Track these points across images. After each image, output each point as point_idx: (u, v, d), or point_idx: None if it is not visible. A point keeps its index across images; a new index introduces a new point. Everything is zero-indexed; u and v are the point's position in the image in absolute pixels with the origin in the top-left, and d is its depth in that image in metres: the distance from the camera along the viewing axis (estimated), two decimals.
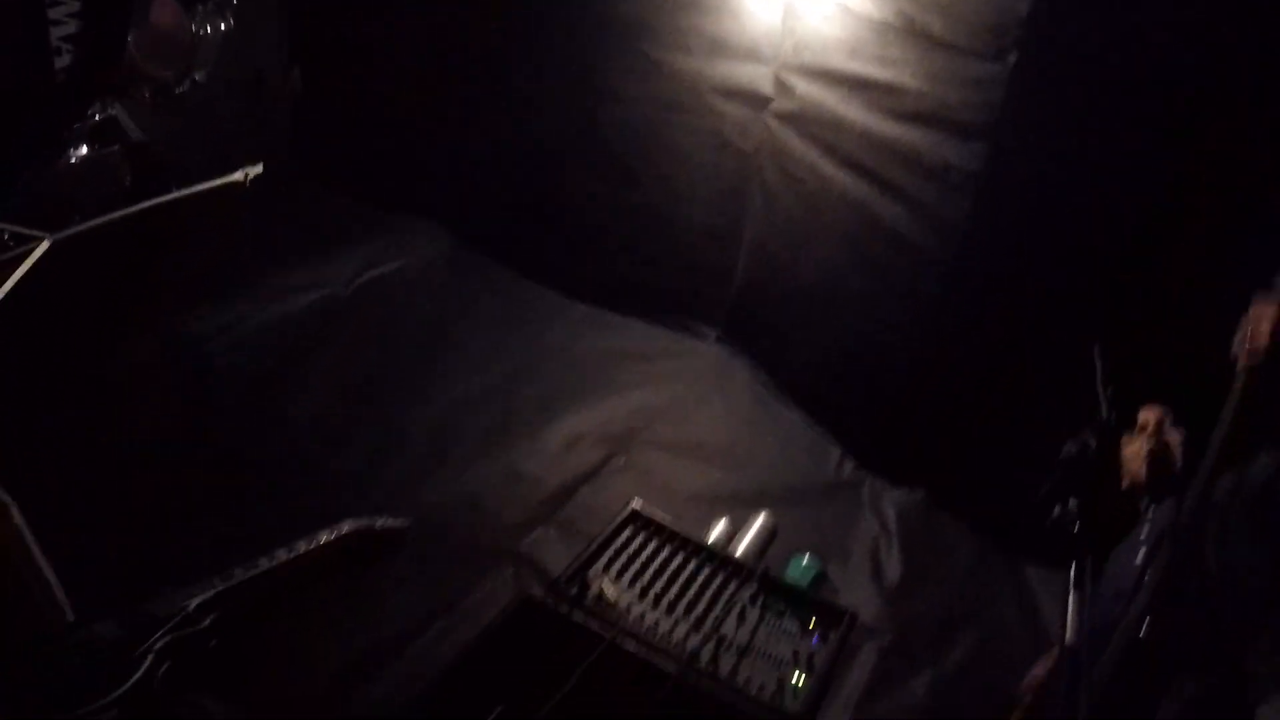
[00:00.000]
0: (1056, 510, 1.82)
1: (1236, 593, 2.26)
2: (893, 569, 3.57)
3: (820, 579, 3.08)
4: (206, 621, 2.27)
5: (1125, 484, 2.80)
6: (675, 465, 3.72)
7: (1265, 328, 2.02)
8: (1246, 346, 2.08)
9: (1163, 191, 3.37)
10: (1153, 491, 2.81)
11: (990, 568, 3.74)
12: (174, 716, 2.29)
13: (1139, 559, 2.59)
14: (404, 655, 2.89)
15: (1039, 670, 2.57)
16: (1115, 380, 2.60)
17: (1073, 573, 1.66)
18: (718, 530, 2.74)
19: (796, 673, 2.24)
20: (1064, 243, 3.58)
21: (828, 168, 4.02)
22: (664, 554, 2.49)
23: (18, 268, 2.44)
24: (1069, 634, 1.58)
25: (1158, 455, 2.74)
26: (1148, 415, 2.91)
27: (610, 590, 2.31)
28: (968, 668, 3.29)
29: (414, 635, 2.96)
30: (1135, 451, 2.83)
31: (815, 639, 2.35)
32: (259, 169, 2.97)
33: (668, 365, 4.38)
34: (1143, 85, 3.29)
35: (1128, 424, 2.83)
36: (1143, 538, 2.64)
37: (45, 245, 2.49)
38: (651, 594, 2.36)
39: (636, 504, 2.59)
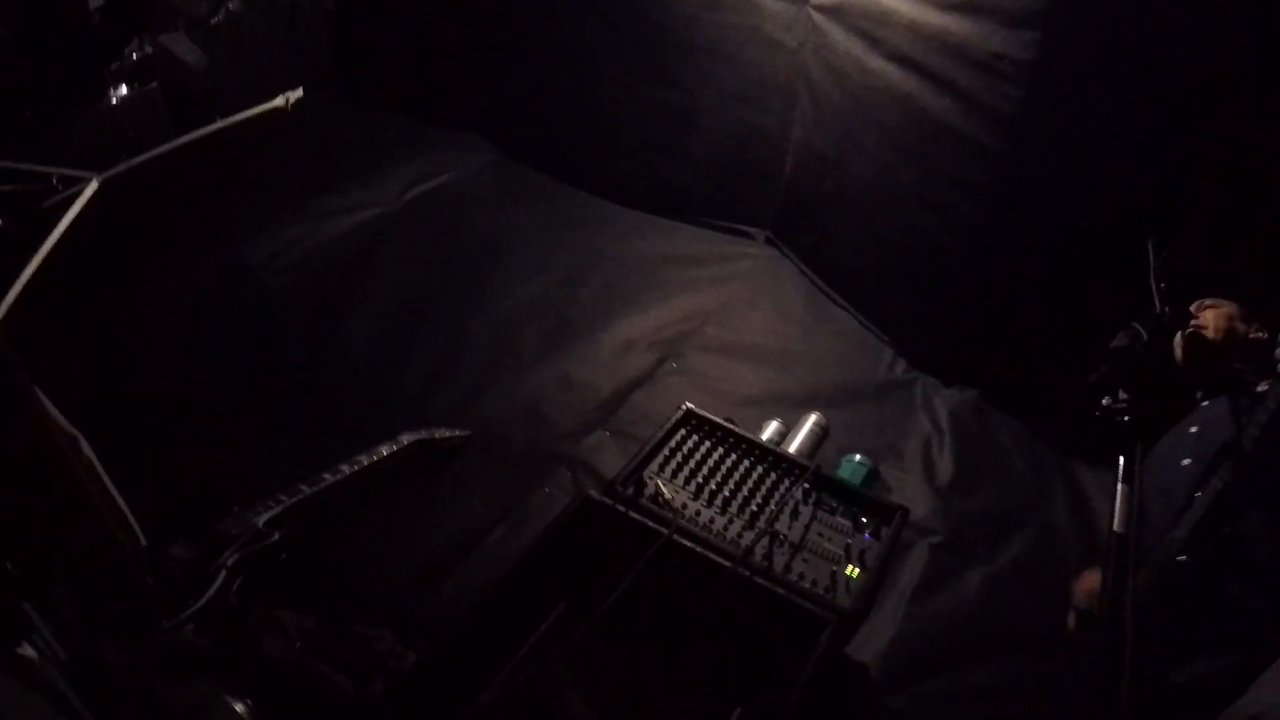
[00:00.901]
0: (1106, 401, 1.82)
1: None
2: (945, 468, 3.60)
3: (872, 477, 3.12)
4: (275, 537, 2.35)
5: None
6: (727, 367, 3.76)
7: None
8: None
9: (1222, 79, 3.26)
10: (1196, 379, 2.80)
11: (1043, 468, 3.74)
12: (250, 629, 2.38)
13: (1186, 459, 2.58)
14: (469, 559, 3.02)
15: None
16: (1171, 276, 2.57)
17: (1121, 464, 1.67)
18: (770, 430, 2.77)
19: (850, 568, 2.28)
20: (1120, 134, 3.48)
21: (874, 61, 3.93)
22: (718, 453, 2.52)
23: (69, 209, 2.48)
24: (1116, 522, 1.59)
25: (1191, 340, 2.73)
26: (1197, 305, 2.89)
27: (666, 489, 2.36)
28: (1021, 566, 3.32)
29: (477, 540, 3.08)
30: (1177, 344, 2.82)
31: (867, 535, 2.38)
32: (300, 93, 2.97)
33: (717, 268, 4.39)
34: None
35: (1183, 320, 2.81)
36: (1192, 431, 2.63)
37: (94, 185, 2.53)
38: (706, 492, 2.41)
39: (689, 405, 2.62)
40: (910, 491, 3.40)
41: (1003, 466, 3.69)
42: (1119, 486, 1.62)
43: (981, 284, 3.95)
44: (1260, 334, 2.80)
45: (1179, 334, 2.83)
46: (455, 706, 2.19)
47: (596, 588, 2.13)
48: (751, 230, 4.76)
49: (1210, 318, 2.82)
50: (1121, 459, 1.68)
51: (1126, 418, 1.77)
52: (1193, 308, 2.86)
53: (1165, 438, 2.75)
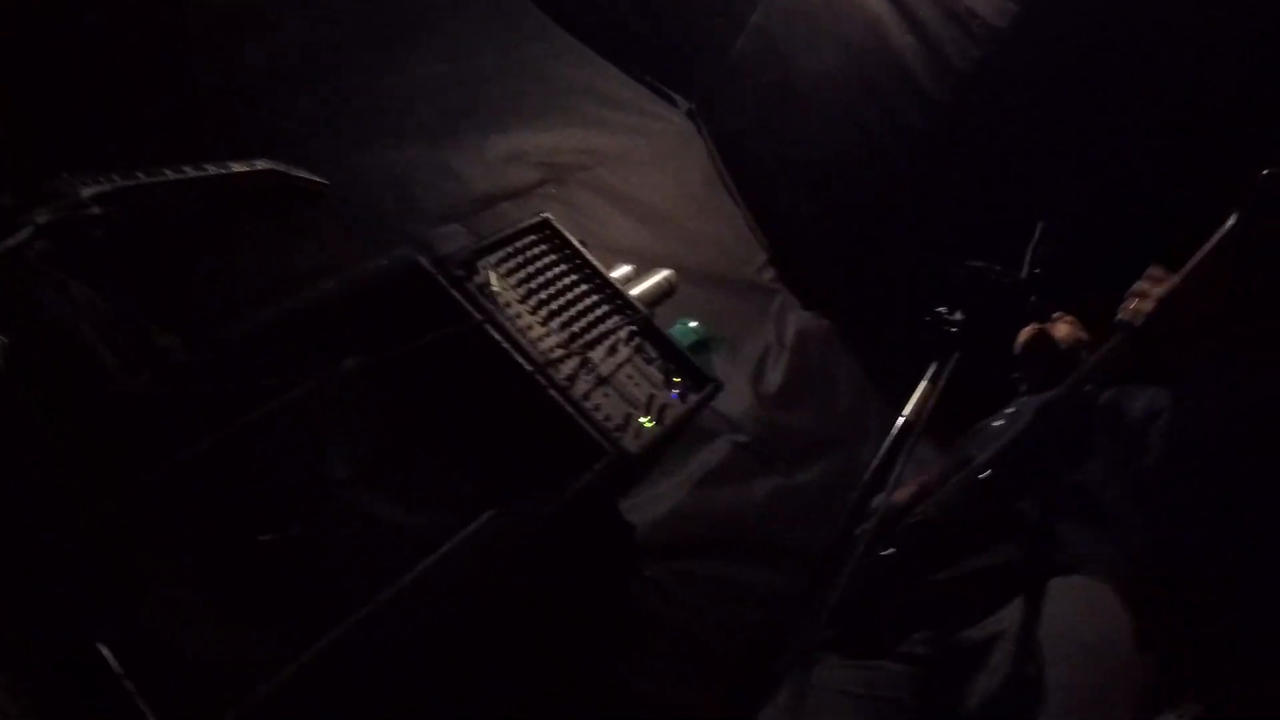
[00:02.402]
0: (942, 309, 1.83)
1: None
2: (773, 380, 3.64)
3: (701, 348, 3.11)
4: (95, 210, 2.21)
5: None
6: (605, 212, 3.68)
7: (1147, 306, 1.97)
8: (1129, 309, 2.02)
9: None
10: (1025, 370, 2.90)
11: (865, 413, 3.82)
12: (38, 288, 2.26)
13: (999, 421, 2.67)
14: (281, 300, 2.88)
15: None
16: (1046, 264, 2.61)
17: (932, 367, 1.69)
18: (620, 271, 2.73)
19: (646, 418, 2.27)
20: (1059, 128, 3.52)
21: None
22: (559, 269, 2.47)
23: None
24: (908, 409, 1.62)
25: (1037, 335, 2.81)
26: (1059, 315, 2.97)
27: (496, 283, 2.30)
28: (811, 490, 3.41)
29: (298, 286, 2.94)
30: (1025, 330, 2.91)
31: (674, 394, 2.38)
32: None
33: (631, 119, 4.26)
34: None
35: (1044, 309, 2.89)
36: (1009, 412, 2.71)
37: None
38: (534, 301, 2.35)
39: (549, 216, 2.55)
40: (733, 387, 3.41)
41: (828, 398, 3.76)
42: (921, 384, 1.63)
43: (876, 227, 3.97)
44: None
45: (1030, 326, 2.92)
46: (216, 418, 2.11)
47: (392, 346, 2.07)
48: (678, 98, 4.65)
49: (1064, 329, 2.90)
50: (934, 364, 1.70)
51: (954, 330, 1.79)
52: (1054, 315, 2.95)
53: (982, 421, 2.84)
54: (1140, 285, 2.01)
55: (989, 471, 2.19)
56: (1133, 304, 2.02)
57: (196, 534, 1.92)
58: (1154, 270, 1.99)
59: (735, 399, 3.41)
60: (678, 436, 2.61)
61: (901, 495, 2.55)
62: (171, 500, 1.98)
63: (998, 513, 2.27)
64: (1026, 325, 2.95)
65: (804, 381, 3.70)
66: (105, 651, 1.76)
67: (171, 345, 2.64)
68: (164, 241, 2.72)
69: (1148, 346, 2.03)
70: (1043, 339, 2.86)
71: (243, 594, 1.90)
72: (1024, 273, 2.21)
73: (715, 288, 3.74)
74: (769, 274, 4.08)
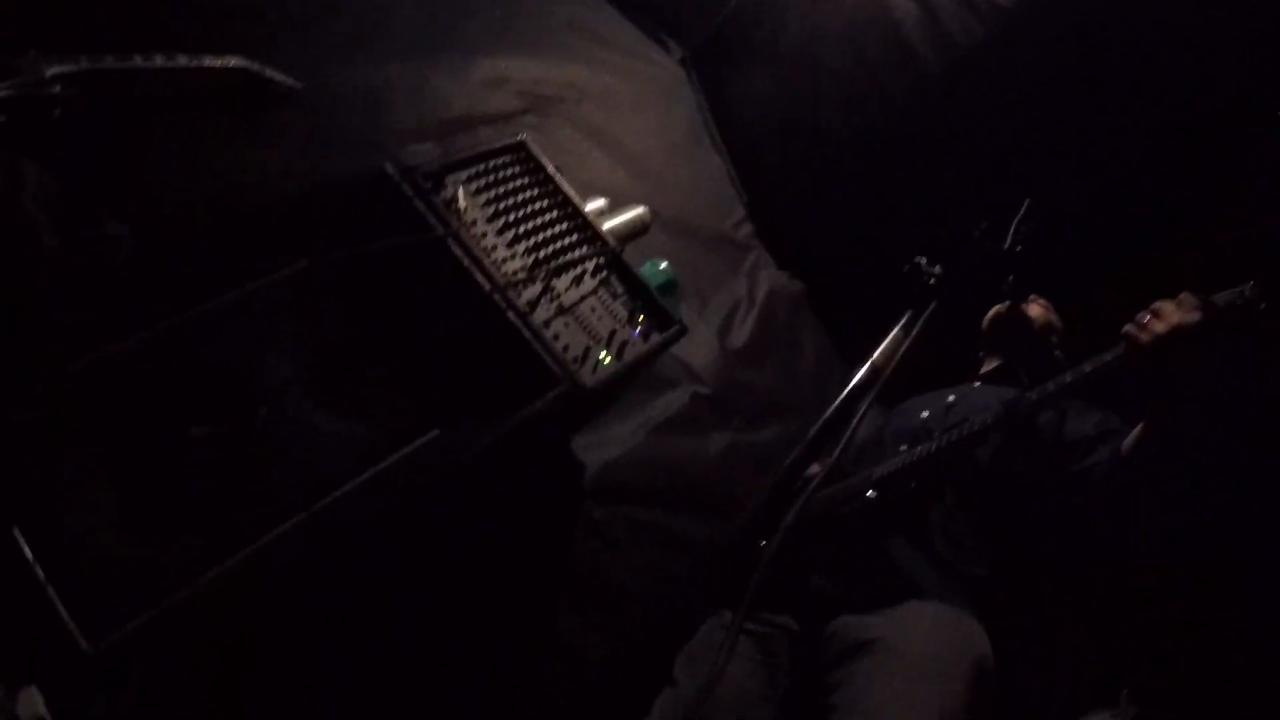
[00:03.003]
0: (921, 260, 1.78)
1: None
2: (740, 336, 3.58)
3: (669, 289, 3.04)
4: (56, 89, 2.09)
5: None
6: (584, 148, 3.59)
7: (1161, 327, 1.96)
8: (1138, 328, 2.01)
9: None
10: (988, 347, 2.86)
11: (830, 377, 3.78)
12: None
13: (925, 412, 2.64)
14: (244, 198, 2.78)
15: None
16: (1028, 242, 2.56)
17: (907, 316, 1.64)
18: (594, 204, 2.64)
19: (605, 354, 2.20)
20: (1042, 126, 3.47)
21: None
22: (532, 193, 2.38)
23: None
24: (877, 354, 1.57)
25: (1009, 311, 2.78)
26: (1034, 297, 2.93)
27: (464, 199, 2.21)
28: (765, 449, 3.37)
29: (261, 194, 2.83)
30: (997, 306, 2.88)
31: (636, 333, 2.31)
32: None
33: (621, 59, 4.15)
34: None
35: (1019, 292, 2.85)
36: (949, 400, 2.67)
37: None
38: (502, 223, 2.26)
39: (526, 138, 2.45)
40: (699, 339, 3.36)
41: (792, 361, 3.71)
42: (894, 330, 1.58)
43: (858, 194, 3.90)
44: (1059, 355, 2.86)
45: (1002, 303, 2.88)
46: (155, 312, 2.02)
47: (344, 252, 1.99)
48: (672, 45, 4.53)
49: (1037, 310, 2.87)
50: (909, 312, 1.65)
51: (932, 281, 1.74)
52: (1031, 297, 2.91)
53: (925, 395, 2.80)
54: (1164, 305, 1.99)
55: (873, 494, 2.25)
56: (1147, 319, 1.99)
57: (125, 427, 1.83)
58: (1186, 297, 1.97)
59: (700, 350, 3.35)
60: (636, 377, 2.56)
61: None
62: (102, 391, 1.89)
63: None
64: (999, 302, 2.92)
65: (770, 341, 3.65)
66: (18, 536, 1.69)
67: (120, 235, 2.54)
68: (126, 130, 2.62)
69: (1144, 364, 2.01)
70: (1015, 316, 2.82)
71: (169, 493, 1.82)
72: (1006, 243, 2.15)
73: (689, 238, 3.67)
74: (746, 230, 4.02)
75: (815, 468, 2.17)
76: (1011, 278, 2.56)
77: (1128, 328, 2.02)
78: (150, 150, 2.73)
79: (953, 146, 3.70)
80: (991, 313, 2.85)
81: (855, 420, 1.48)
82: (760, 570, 1.35)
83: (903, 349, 1.55)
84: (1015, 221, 2.45)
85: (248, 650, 1.97)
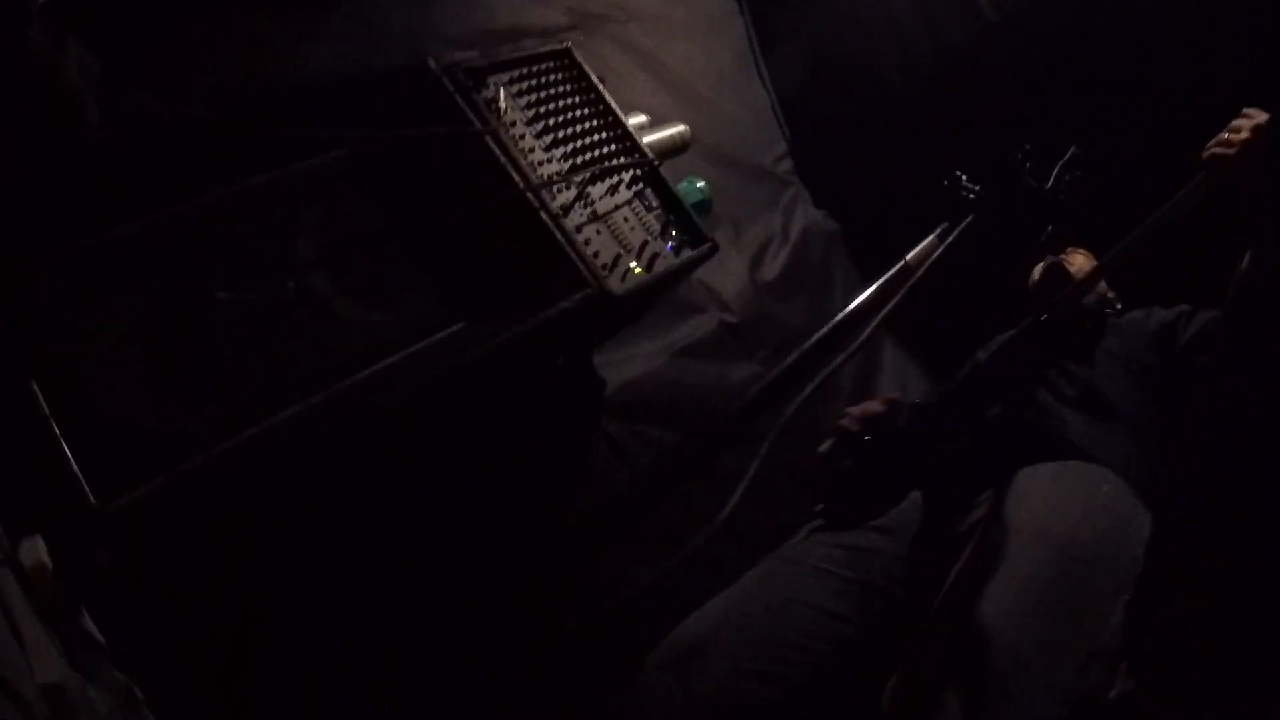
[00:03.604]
0: (960, 174, 1.77)
1: None
2: (771, 270, 3.57)
3: (704, 207, 3.02)
4: None
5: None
6: (629, 69, 3.54)
7: (1245, 132, 1.96)
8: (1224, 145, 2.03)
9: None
10: (1034, 303, 2.82)
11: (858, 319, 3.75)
12: (34, 34, 2.21)
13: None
14: (284, 88, 2.77)
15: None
16: (1073, 188, 2.53)
17: (943, 225, 1.63)
18: (636, 119, 2.62)
19: (635, 264, 2.19)
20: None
21: None
22: (573, 100, 2.36)
23: None
24: (911, 254, 1.56)
25: (1052, 268, 2.74)
26: (1072, 248, 2.88)
27: (504, 100, 2.19)
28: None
29: (298, 78, 2.82)
30: (1041, 264, 2.83)
31: (669, 247, 2.30)
32: None
33: None
34: None
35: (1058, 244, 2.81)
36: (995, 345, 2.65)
37: None
38: (541, 126, 2.25)
39: (571, 44, 2.43)
40: (730, 267, 3.35)
41: (822, 299, 3.68)
42: (929, 237, 1.57)
43: (903, 138, 3.85)
44: (1110, 295, 2.82)
45: (1046, 259, 2.84)
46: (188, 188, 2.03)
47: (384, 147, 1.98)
48: None
49: (1079, 260, 2.81)
50: (945, 223, 1.64)
51: (971, 196, 1.72)
52: (1068, 248, 2.86)
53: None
54: (1235, 122, 2.05)
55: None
56: (1227, 136, 2.04)
57: (153, 290, 1.84)
58: (1250, 110, 2.04)
59: (731, 279, 3.34)
60: (665, 292, 2.55)
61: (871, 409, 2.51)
62: (130, 259, 1.90)
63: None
64: (1038, 251, 2.88)
65: (802, 277, 3.63)
66: (35, 389, 1.70)
67: (161, 114, 2.55)
68: (171, 14, 2.61)
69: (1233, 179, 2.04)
70: (1058, 271, 2.77)
71: (190, 359, 1.84)
72: (1049, 183, 2.13)
73: (728, 167, 3.64)
74: (785, 165, 3.98)
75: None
76: (1050, 227, 2.53)
77: (1212, 149, 2.08)
78: (194, 36, 2.73)
79: (1008, 100, 3.63)
80: (1036, 271, 2.81)
81: (883, 312, 1.46)
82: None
83: (935, 255, 1.54)
84: (1060, 164, 2.43)
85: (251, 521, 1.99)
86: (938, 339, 3.60)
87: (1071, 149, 2.53)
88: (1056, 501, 1.92)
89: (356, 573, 2.17)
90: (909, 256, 1.54)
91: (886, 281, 1.52)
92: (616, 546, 2.68)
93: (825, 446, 2.49)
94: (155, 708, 1.62)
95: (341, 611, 2.15)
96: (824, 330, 1.56)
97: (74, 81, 2.33)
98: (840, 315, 1.56)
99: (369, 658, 2.11)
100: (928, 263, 1.53)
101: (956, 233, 1.60)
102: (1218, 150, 2.05)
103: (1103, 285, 2.76)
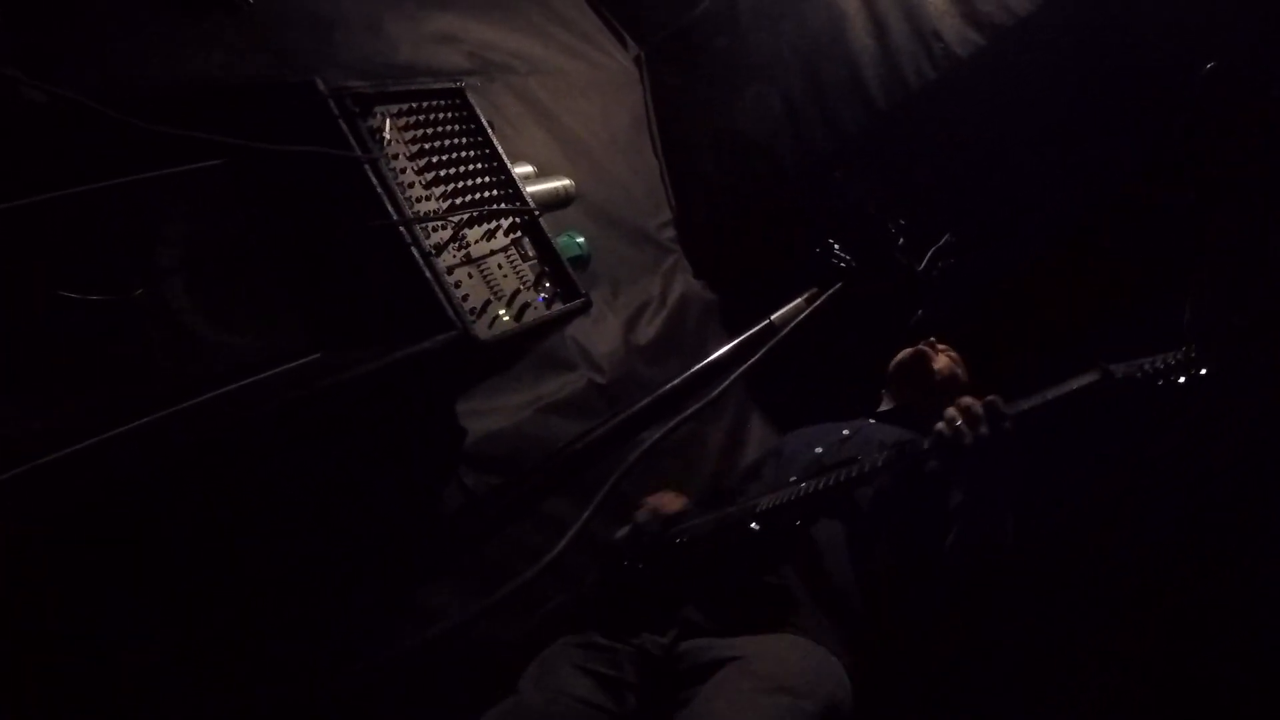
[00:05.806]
0: (833, 243, 1.80)
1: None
2: (645, 333, 3.57)
3: (582, 263, 3.01)
4: None
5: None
6: (523, 120, 3.56)
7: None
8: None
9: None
10: (891, 390, 2.88)
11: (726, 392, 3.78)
12: None
13: (819, 448, 2.63)
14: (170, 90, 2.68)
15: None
16: (945, 274, 2.60)
17: (811, 290, 1.65)
18: (523, 168, 2.62)
19: (504, 311, 2.18)
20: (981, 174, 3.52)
21: None
22: (460, 141, 2.35)
23: None
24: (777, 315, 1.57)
25: (914, 357, 2.79)
26: (940, 338, 2.94)
27: (389, 131, 2.16)
28: (654, 449, 3.35)
29: (187, 82, 2.75)
30: (906, 350, 2.88)
31: (541, 298, 2.29)
32: None
33: (578, 44, 4.14)
34: None
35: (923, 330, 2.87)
36: (844, 433, 2.67)
37: None
38: (425, 162, 2.23)
39: (469, 87, 2.42)
40: (604, 327, 3.35)
41: (692, 364, 3.69)
42: (797, 300, 1.60)
43: (789, 218, 3.92)
44: (971, 401, 2.88)
45: (910, 348, 2.89)
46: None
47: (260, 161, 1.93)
48: (630, 42, 4.53)
49: (945, 362, 2.85)
50: (814, 288, 1.67)
51: (842, 265, 1.76)
52: (934, 338, 2.91)
53: (821, 425, 2.80)
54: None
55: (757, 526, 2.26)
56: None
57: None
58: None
59: (604, 339, 3.34)
60: (532, 343, 2.53)
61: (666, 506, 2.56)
62: None
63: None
64: (904, 337, 2.93)
65: (675, 344, 3.64)
66: None
67: (32, 94, 2.43)
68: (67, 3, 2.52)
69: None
70: (920, 362, 2.82)
71: (31, 361, 1.73)
72: (921, 265, 2.20)
73: (611, 227, 3.67)
74: (669, 233, 4.02)
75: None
76: (919, 311, 2.59)
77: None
78: (87, 24, 2.63)
79: (890, 185, 3.72)
80: (900, 356, 2.84)
81: (743, 367, 1.47)
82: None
83: (800, 318, 1.57)
84: (934, 249, 2.51)
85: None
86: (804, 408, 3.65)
87: (946, 235, 2.61)
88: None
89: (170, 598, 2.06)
90: (774, 316, 1.56)
91: (750, 338, 1.53)
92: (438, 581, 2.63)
93: (622, 533, 2.52)
94: None
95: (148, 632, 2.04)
96: (679, 379, 1.56)
97: None
98: (699, 366, 1.57)
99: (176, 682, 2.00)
100: (793, 323, 1.55)
101: (825, 297, 1.63)
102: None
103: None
